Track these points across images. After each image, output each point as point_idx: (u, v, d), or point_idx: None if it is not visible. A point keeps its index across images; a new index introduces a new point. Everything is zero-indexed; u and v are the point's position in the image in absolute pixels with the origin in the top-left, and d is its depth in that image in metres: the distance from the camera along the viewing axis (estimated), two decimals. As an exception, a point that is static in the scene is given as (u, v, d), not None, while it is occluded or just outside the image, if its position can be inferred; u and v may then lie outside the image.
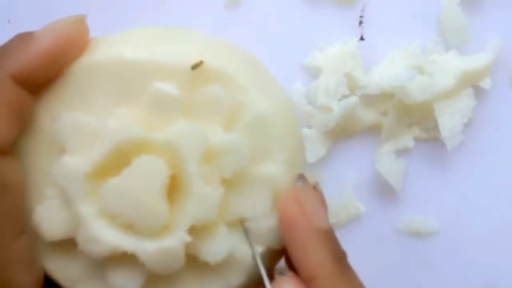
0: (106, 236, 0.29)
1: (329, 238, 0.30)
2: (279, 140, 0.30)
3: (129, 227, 0.29)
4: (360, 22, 0.41)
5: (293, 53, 0.41)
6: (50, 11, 0.39)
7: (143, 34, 0.31)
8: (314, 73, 0.41)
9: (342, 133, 0.40)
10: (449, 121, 0.39)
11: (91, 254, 0.29)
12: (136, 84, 0.29)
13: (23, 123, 0.30)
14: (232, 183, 0.30)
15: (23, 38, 0.29)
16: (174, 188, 0.29)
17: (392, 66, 0.40)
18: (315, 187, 0.32)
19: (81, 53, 0.30)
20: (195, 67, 0.29)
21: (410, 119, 0.40)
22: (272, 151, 0.30)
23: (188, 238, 0.28)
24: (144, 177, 0.28)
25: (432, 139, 0.40)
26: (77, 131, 0.29)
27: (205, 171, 0.29)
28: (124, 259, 0.29)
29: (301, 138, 0.32)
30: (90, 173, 0.29)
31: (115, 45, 0.30)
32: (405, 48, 0.41)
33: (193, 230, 0.29)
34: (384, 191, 0.40)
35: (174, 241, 0.28)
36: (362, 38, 0.41)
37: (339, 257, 0.30)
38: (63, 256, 0.31)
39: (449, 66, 0.39)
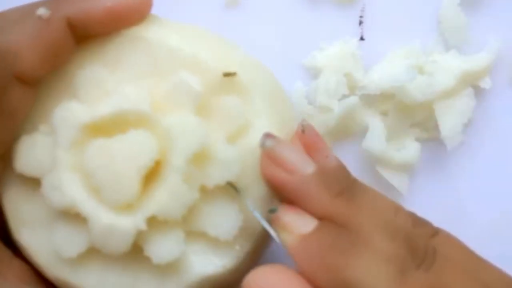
0: (70, 190, 0.29)
1: (321, 178, 0.29)
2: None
3: (96, 192, 0.28)
4: (360, 22, 0.41)
5: (293, 53, 0.41)
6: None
7: (196, 32, 0.32)
8: (314, 73, 0.41)
9: (342, 133, 0.40)
10: (449, 121, 0.39)
11: (48, 202, 0.29)
12: (167, 68, 0.30)
13: (59, 64, 0.30)
14: (210, 195, 0.30)
15: None
16: (154, 175, 0.29)
17: (392, 66, 0.40)
18: (302, 127, 0.30)
19: (138, 23, 0.31)
20: (227, 75, 0.30)
21: (411, 119, 0.40)
22: (259, 179, 0.30)
23: (143, 226, 0.28)
24: (133, 149, 0.28)
25: (432, 139, 0.40)
26: (95, 85, 0.30)
27: (190, 171, 0.29)
28: (75, 221, 0.29)
29: None
30: (87, 125, 0.29)
31: (167, 30, 0.31)
32: (405, 48, 0.41)
33: (152, 222, 0.28)
34: (384, 191, 0.40)
35: (129, 223, 0.28)
36: (362, 38, 0.41)
37: (338, 190, 0.29)
38: (24, 194, 0.31)
39: (449, 66, 0.39)
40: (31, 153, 0.30)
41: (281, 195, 0.29)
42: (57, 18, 0.29)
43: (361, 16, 0.41)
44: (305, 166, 0.29)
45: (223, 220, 0.29)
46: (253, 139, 0.30)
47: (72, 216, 0.29)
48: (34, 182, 0.30)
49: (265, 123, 0.30)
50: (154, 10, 0.33)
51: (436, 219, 0.37)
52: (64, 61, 0.30)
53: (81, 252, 0.29)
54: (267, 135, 0.30)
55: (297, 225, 0.28)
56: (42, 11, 0.29)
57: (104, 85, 0.30)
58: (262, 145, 0.30)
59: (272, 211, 0.29)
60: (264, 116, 0.30)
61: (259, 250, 0.31)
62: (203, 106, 0.30)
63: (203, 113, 0.30)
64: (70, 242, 0.29)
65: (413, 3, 0.41)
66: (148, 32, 0.31)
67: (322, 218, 0.28)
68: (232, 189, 0.30)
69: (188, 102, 0.29)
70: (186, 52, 0.30)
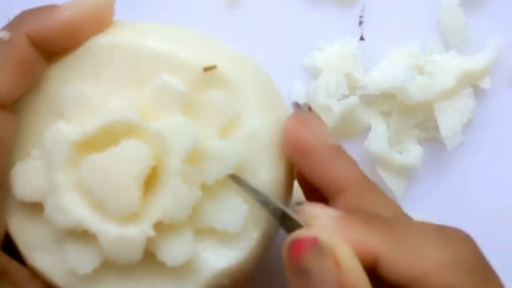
0: (74, 209, 0.29)
1: (345, 151, 0.31)
2: (268, 158, 0.30)
3: (99, 207, 0.29)
4: (360, 22, 0.41)
5: (293, 53, 0.41)
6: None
7: (170, 31, 0.32)
8: (314, 73, 0.41)
9: (342, 133, 0.40)
10: (449, 121, 0.39)
11: (54, 224, 0.29)
12: (148, 72, 0.30)
13: (31, 83, 0.30)
14: (212, 190, 0.30)
15: (49, 7, 0.30)
16: (153, 181, 0.29)
17: (392, 66, 0.40)
18: (310, 109, 0.32)
19: (102, 31, 0.30)
20: (207, 69, 0.30)
21: (412, 120, 0.40)
22: (258, 168, 0.30)
23: (151, 233, 0.28)
24: (127, 160, 0.28)
25: (432, 139, 0.40)
26: (80, 101, 0.30)
27: (188, 171, 0.29)
28: (84, 238, 0.29)
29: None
30: (77, 143, 0.29)
31: (140, 32, 0.31)
32: (405, 48, 0.41)
33: (159, 227, 0.28)
34: (385, 191, 0.40)
35: (138, 232, 0.28)
36: (362, 38, 0.41)
37: (359, 168, 0.31)
38: (28, 219, 0.31)
39: (449, 66, 0.39)
40: (27, 179, 0.30)
41: (300, 156, 0.30)
42: (18, 37, 0.29)
43: (361, 16, 0.41)
44: (331, 137, 0.30)
45: (229, 213, 0.30)
46: (245, 130, 0.30)
47: (80, 234, 0.29)
48: (36, 206, 0.30)
49: (255, 112, 0.30)
50: (155, 11, 0.33)
51: (436, 219, 0.37)
52: (37, 78, 0.30)
53: (95, 267, 0.29)
54: (297, 104, 0.31)
55: (328, 211, 0.29)
56: (2, 34, 0.29)
57: (89, 101, 0.30)
58: (296, 106, 0.31)
59: (299, 204, 0.29)
60: (253, 105, 0.30)
61: (269, 237, 0.31)
62: (189, 105, 0.30)
63: (191, 112, 0.30)
64: (83, 259, 0.29)
65: (413, 3, 0.41)
66: (123, 40, 0.30)
67: (345, 186, 0.30)
68: (234, 181, 0.30)
69: (174, 104, 0.29)
70: (164, 53, 0.30)
